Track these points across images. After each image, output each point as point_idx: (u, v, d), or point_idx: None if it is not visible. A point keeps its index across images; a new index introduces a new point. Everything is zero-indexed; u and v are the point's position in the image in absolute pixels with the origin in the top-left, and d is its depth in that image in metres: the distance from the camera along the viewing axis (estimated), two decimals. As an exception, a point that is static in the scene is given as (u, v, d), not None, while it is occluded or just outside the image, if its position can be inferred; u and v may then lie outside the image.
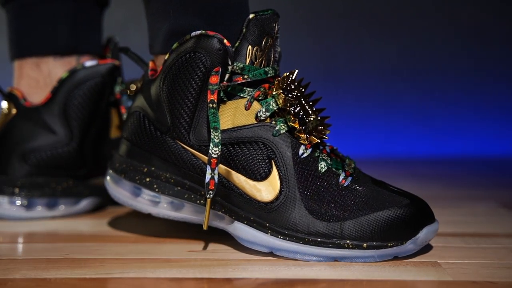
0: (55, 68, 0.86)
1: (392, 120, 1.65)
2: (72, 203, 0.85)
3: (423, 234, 0.63)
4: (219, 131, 0.63)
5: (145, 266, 0.62)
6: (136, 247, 0.70)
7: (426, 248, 0.68)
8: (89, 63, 0.85)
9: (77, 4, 0.86)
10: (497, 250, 0.68)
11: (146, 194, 0.70)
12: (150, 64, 0.71)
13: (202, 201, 0.68)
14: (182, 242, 0.71)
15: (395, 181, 0.76)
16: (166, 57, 0.68)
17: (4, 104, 0.86)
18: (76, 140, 0.85)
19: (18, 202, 0.83)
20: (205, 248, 0.68)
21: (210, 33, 0.65)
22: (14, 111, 0.85)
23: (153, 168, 0.70)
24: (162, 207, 0.69)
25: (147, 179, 0.70)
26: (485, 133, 1.64)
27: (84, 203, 0.86)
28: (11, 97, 0.86)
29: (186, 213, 0.69)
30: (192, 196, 0.68)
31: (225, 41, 0.65)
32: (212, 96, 0.64)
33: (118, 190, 0.72)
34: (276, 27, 0.68)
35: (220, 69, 0.65)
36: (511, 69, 1.67)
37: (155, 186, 0.69)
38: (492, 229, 0.80)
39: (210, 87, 0.64)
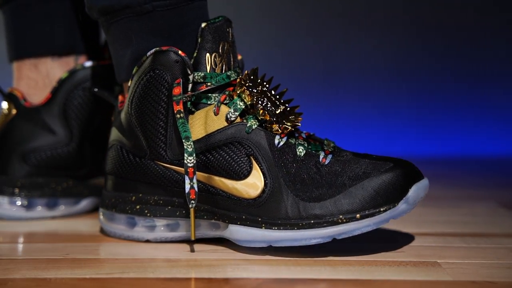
0: (53, 69, 0.86)
1: (391, 120, 1.65)
2: (72, 203, 0.85)
3: (412, 192, 0.63)
4: (191, 140, 0.64)
5: (145, 266, 0.62)
6: (136, 247, 0.70)
7: (426, 248, 0.68)
8: (89, 63, 0.85)
9: (74, 4, 0.86)
10: (497, 250, 0.68)
11: (141, 221, 0.70)
12: (120, 97, 0.73)
13: (195, 214, 0.68)
14: (182, 242, 0.70)
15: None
16: (129, 83, 0.69)
17: (4, 105, 0.86)
18: (76, 140, 0.85)
19: (18, 202, 0.83)
20: (205, 248, 0.68)
21: (164, 48, 0.67)
22: (14, 111, 0.85)
23: (140, 195, 0.70)
24: (159, 230, 0.70)
25: (137, 207, 0.70)
26: (485, 133, 1.64)
27: (84, 203, 0.86)
28: (11, 98, 0.86)
29: (183, 231, 0.69)
30: (184, 211, 0.69)
31: (180, 52, 0.66)
32: (178, 106, 0.65)
33: (112, 225, 0.72)
34: (230, 32, 0.69)
35: (181, 80, 0.66)
36: (511, 68, 1.67)
37: (146, 211, 0.70)
38: (492, 229, 0.80)
39: (174, 98, 0.65)
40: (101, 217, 0.74)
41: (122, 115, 0.71)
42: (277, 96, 0.68)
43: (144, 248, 0.69)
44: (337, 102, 1.64)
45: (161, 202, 0.69)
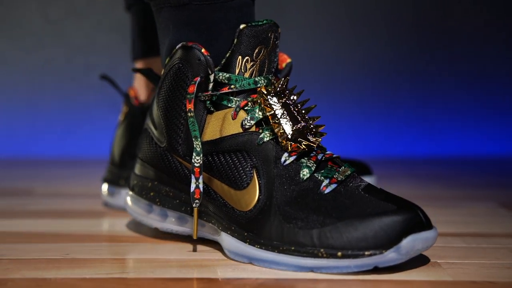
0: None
1: (392, 120, 1.65)
2: None
3: (406, 242, 0.57)
4: (199, 139, 0.63)
5: (145, 266, 0.62)
6: (136, 247, 0.70)
7: (426, 248, 0.68)
8: None
9: None
10: (497, 250, 0.68)
11: (157, 210, 0.71)
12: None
13: (198, 215, 0.68)
14: (182, 242, 0.71)
15: (395, 181, 0.76)
16: (162, 71, 0.69)
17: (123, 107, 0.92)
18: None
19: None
20: (205, 248, 0.68)
21: (189, 43, 0.66)
22: (125, 109, 0.91)
23: (156, 183, 0.70)
24: (170, 221, 0.70)
25: (151, 194, 0.71)
26: (484, 133, 1.64)
27: None
28: (127, 97, 0.91)
29: (190, 227, 0.69)
30: (189, 208, 0.68)
31: (203, 50, 0.65)
32: (189, 105, 0.64)
33: (132, 207, 0.73)
34: (273, 37, 0.66)
35: (200, 78, 0.65)
36: (511, 68, 1.67)
37: (157, 200, 0.70)
38: (492, 229, 0.80)
39: (188, 96, 0.64)
40: (127, 198, 0.74)
41: (154, 103, 0.71)
42: (302, 111, 0.65)
43: (145, 249, 0.69)
44: (337, 102, 1.64)
45: (171, 194, 0.69)
